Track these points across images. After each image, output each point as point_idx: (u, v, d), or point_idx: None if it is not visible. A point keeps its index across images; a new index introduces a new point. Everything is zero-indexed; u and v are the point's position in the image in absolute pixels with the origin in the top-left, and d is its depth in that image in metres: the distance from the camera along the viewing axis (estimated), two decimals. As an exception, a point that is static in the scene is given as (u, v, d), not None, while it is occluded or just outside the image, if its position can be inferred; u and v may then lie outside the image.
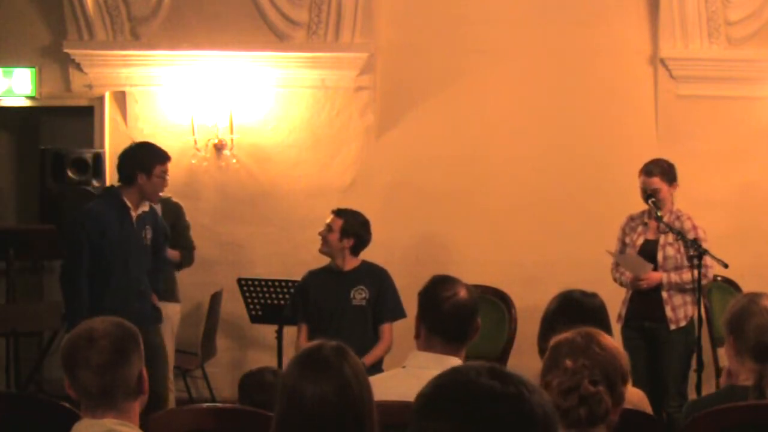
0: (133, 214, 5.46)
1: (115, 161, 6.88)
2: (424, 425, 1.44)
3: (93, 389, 2.59)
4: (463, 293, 3.24)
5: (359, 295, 5.44)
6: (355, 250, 5.51)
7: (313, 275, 5.59)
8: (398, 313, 5.47)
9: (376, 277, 5.49)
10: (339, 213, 5.53)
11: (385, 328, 5.45)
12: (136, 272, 5.46)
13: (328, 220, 5.52)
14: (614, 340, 2.50)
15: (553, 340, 2.45)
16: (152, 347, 5.53)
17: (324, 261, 5.59)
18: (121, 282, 5.41)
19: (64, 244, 5.59)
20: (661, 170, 5.62)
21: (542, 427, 1.43)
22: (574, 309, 3.33)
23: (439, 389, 1.47)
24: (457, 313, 3.20)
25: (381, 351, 5.41)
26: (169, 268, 6.06)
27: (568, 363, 2.35)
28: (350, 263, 5.50)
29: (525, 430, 1.42)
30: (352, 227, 5.48)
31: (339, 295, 5.44)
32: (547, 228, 7.07)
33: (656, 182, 5.60)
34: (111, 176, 6.93)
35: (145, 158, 5.43)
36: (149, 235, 5.53)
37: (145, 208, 5.51)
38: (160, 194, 5.64)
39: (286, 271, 6.46)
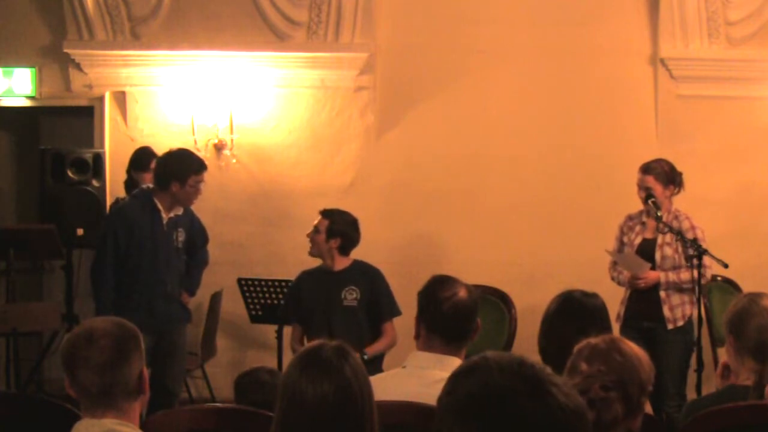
0: (165, 216, 5.52)
1: (115, 161, 6.95)
2: (451, 425, 1.45)
3: (93, 389, 2.58)
4: (462, 293, 3.24)
5: (350, 296, 5.43)
6: (344, 250, 5.50)
7: (306, 275, 5.60)
8: (394, 311, 5.47)
9: (368, 277, 5.48)
10: (325, 213, 5.54)
11: (387, 326, 5.45)
12: (163, 273, 5.55)
13: (315, 222, 5.53)
14: (641, 349, 2.48)
15: (578, 345, 2.45)
16: (175, 346, 5.63)
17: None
18: (148, 282, 5.51)
19: (96, 241, 5.68)
20: (659, 171, 5.62)
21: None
22: (575, 309, 3.32)
23: (473, 400, 1.46)
24: (457, 313, 3.20)
25: (383, 345, 5.41)
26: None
27: (584, 367, 2.34)
28: (340, 263, 5.49)
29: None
30: (339, 227, 5.47)
31: (330, 296, 5.44)
32: (547, 228, 7.07)
33: (650, 181, 5.60)
34: (111, 176, 6.93)
35: (180, 168, 5.49)
36: (181, 238, 5.62)
37: (178, 211, 5.60)
38: None
39: (286, 271, 6.45)
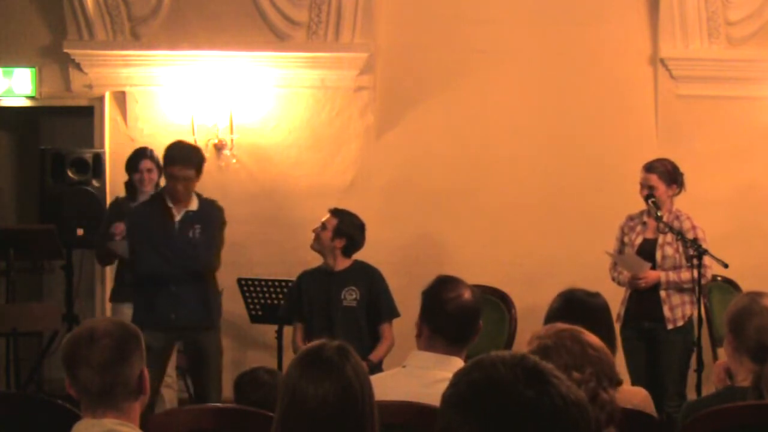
0: (176, 213, 5.40)
1: (115, 161, 6.95)
2: (454, 422, 1.45)
3: (93, 388, 2.59)
4: (467, 295, 3.23)
5: (350, 296, 5.43)
6: (347, 252, 5.50)
7: (307, 275, 5.59)
8: (393, 312, 5.47)
9: (368, 277, 5.48)
10: (335, 212, 5.53)
11: (385, 327, 5.45)
12: (165, 272, 5.36)
13: (324, 218, 5.53)
14: (592, 334, 2.45)
15: (536, 342, 2.38)
16: (202, 354, 5.45)
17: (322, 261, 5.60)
18: (149, 280, 5.38)
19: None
20: (662, 170, 5.62)
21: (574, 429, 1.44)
22: (577, 308, 3.32)
23: (475, 390, 1.47)
24: (461, 315, 3.20)
25: (385, 349, 5.40)
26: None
27: (576, 375, 2.31)
28: (341, 263, 5.49)
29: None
30: (346, 228, 5.46)
31: (330, 296, 5.43)
32: (547, 228, 7.07)
33: (653, 179, 5.60)
34: (111, 176, 6.93)
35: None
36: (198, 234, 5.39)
37: (189, 207, 5.42)
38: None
39: (286, 271, 6.45)
